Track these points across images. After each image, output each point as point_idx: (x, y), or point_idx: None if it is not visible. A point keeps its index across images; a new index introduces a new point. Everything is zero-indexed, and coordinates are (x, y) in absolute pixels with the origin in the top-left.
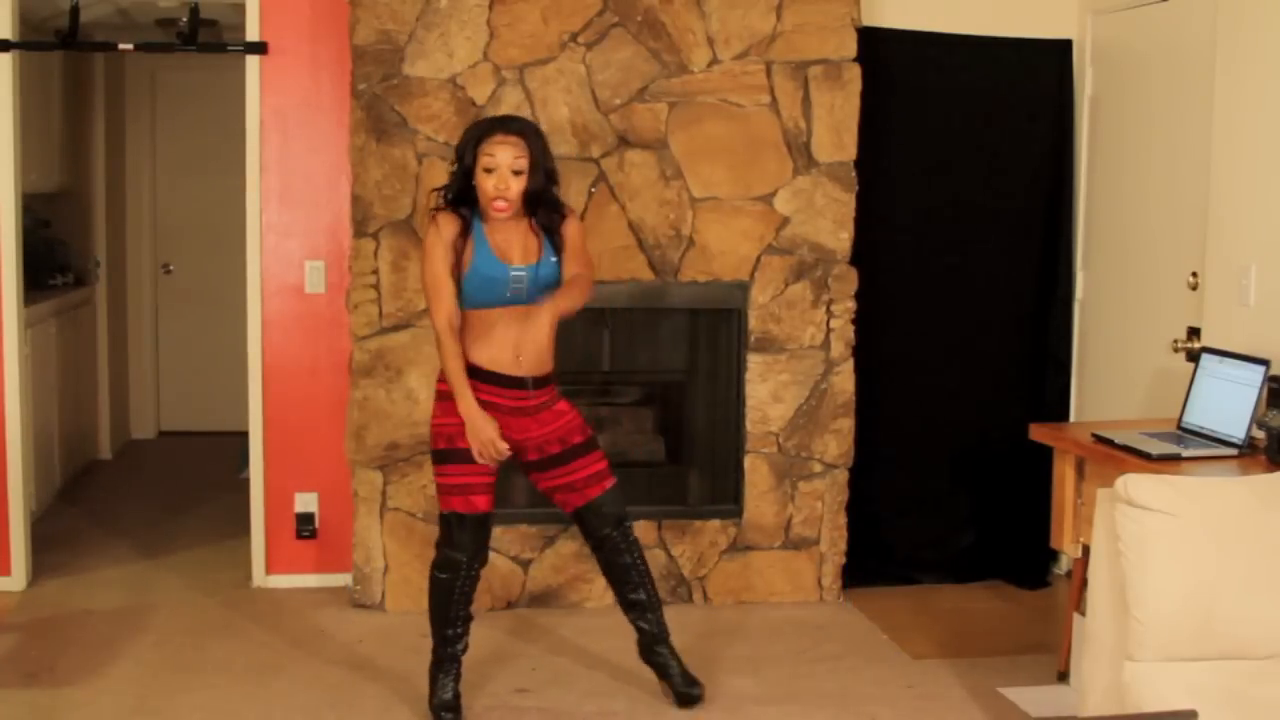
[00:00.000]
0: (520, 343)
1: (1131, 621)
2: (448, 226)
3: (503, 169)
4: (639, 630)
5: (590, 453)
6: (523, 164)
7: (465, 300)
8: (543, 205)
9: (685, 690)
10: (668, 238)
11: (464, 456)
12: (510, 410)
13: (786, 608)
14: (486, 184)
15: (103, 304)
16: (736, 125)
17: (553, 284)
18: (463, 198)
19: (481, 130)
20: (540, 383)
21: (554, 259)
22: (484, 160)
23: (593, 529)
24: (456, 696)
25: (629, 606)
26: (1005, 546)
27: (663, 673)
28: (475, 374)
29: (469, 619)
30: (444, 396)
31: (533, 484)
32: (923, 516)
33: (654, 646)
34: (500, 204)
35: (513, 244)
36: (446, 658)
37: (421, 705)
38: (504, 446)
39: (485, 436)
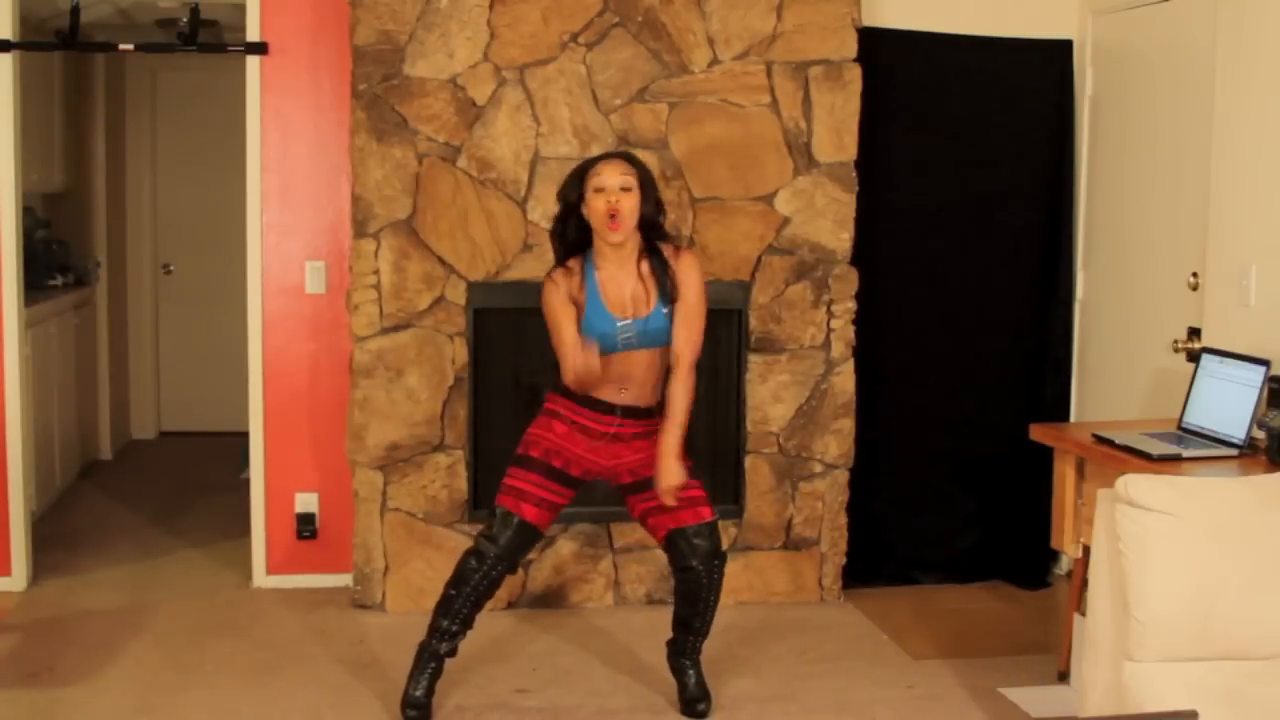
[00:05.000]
0: (626, 380)
1: (1131, 621)
2: (564, 281)
3: (612, 187)
4: (675, 641)
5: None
6: (630, 181)
7: None
8: (656, 239)
9: (693, 703)
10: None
11: (537, 467)
12: (600, 435)
13: (787, 608)
14: (599, 204)
15: (103, 304)
16: (737, 125)
17: (661, 336)
18: (574, 248)
19: (584, 165)
20: (632, 413)
21: (664, 310)
22: (593, 183)
23: (681, 557)
24: (428, 694)
25: (681, 624)
26: (1005, 546)
27: (680, 680)
28: (570, 397)
29: (468, 623)
30: (549, 413)
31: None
32: (923, 516)
33: (681, 658)
34: (614, 222)
35: (624, 292)
36: (430, 653)
37: None
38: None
39: (584, 358)
